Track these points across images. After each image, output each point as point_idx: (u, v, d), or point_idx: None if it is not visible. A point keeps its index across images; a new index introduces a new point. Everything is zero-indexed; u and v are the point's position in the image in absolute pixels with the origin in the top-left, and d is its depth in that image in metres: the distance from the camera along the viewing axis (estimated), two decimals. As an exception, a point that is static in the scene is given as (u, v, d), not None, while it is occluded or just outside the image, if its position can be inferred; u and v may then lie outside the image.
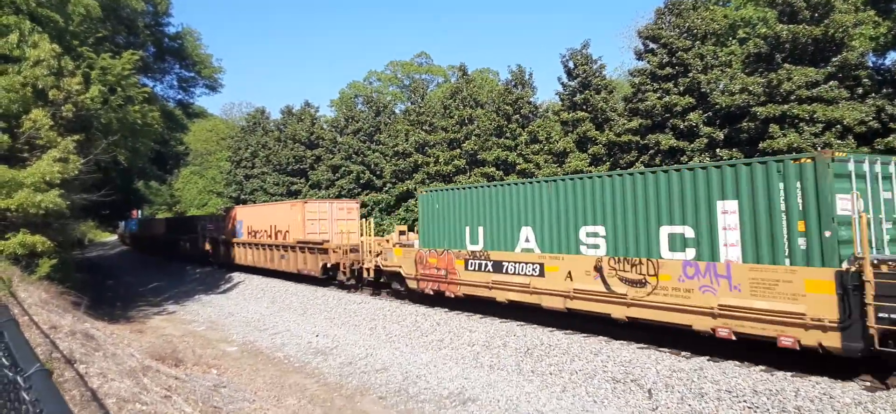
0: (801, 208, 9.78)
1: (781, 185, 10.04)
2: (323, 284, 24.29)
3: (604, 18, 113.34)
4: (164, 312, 22.78)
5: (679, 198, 11.51)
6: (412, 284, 18.57)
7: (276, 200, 48.09)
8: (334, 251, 23.05)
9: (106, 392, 7.89)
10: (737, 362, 10.70)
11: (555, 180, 14.24)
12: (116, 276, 37.33)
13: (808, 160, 9.68)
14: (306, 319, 19.28)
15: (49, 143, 16.69)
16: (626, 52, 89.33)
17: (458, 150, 37.63)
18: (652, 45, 28.07)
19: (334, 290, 23.01)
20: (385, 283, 21.22)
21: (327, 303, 20.84)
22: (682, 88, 26.14)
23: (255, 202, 52.22)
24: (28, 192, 15.19)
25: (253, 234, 30.94)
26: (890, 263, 9.01)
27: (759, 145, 22.64)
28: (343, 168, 46.01)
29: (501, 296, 15.23)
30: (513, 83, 36.58)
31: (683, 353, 11.51)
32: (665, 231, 11.74)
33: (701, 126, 25.26)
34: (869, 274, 8.71)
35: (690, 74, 25.94)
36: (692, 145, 25.30)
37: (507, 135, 35.27)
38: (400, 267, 19.04)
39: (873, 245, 9.76)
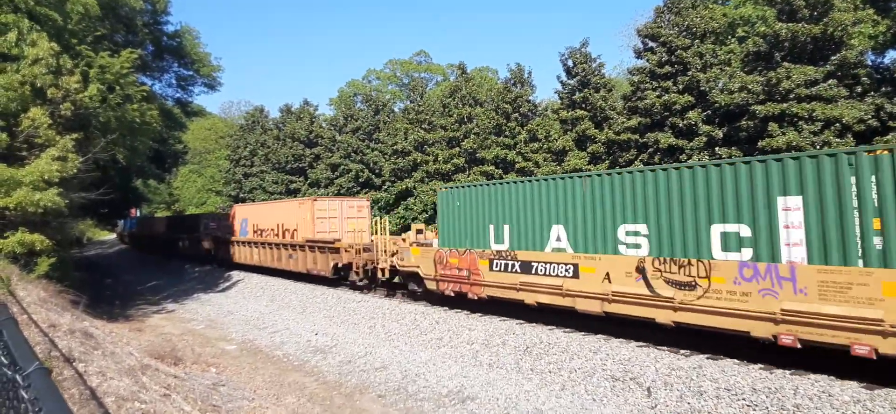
0: (876, 204, 9.02)
1: (853, 179, 9.24)
2: (333, 284, 23.60)
3: (603, 17, 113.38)
4: (163, 311, 22.76)
5: (733, 194, 10.64)
6: (431, 285, 17.76)
7: (279, 198, 48.11)
8: (346, 250, 22.26)
9: (105, 391, 7.88)
10: (736, 360, 10.71)
11: (589, 175, 13.33)
12: (115, 274, 37.30)
13: (885, 151, 8.95)
14: (305, 318, 19.28)
15: (47, 141, 16.67)
16: (625, 50, 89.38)
17: (458, 149, 37.65)
18: (651, 44, 28.09)
19: (333, 288, 22.97)
20: (400, 283, 20.64)
21: (326, 301, 20.84)
22: (681, 87, 26.17)
23: (253, 201, 52.23)
24: (27, 191, 15.17)
25: (259, 232, 30.21)
26: None
27: (758, 144, 22.67)
28: (342, 166, 46.04)
29: (530, 298, 14.41)
30: (512, 82, 36.61)
31: (682, 351, 11.52)
32: (717, 230, 10.84)
33: (700, 124, 25.28)
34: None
35: (690, 73, 25.96)
36: (691, 144, 25.33)
37: (507, 133, 35.31)
38: (418, 267, 18.24)
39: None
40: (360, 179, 45.00)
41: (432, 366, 12.79)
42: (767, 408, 8.81)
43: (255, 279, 28.08)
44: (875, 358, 8.90)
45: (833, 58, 22.19)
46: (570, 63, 32.02)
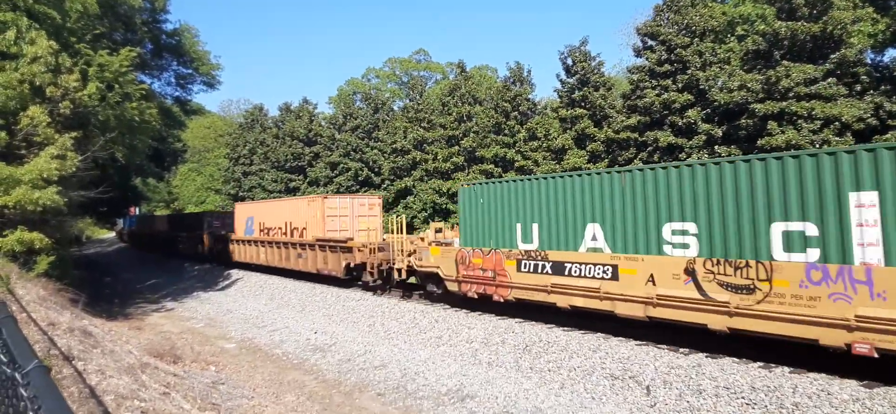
0: None
1: None
2: (344, 285, 22.91)
3: (602, 16, 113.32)
4: (163, 309, 22.76)
5: (797, 189, 9.82)
6: (452, 287, 16.91)
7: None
8: (359, 250, 21.31)
9: (104, 389, 7.88)
10: (735, 359, 10.72)
11: (630, 171, 12.48)
12: (114, 273, 37.29)
13: None
14: (305, 316, 19.28)
15: (46, 140, 16.66)
16: (624, 49, 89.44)
17: (457, 148, 37.65)
18: (650, 42, 28.10)
19: (333, 287, 22.96)
20: (416, 285, 20.08)
21: (326, 300, 20.84)
22: (680, 85, 26.17)
23: (253, 199, 52.22)
24: (26, 190, 15.16)
25: (265, 231, 29.33)
26: None
27: (758, 142, 22.68)
28: (341, 165, 46.02)
29: (563, 301, 13.49)
30: (511, 80, 36.60)
31: (681, 349, 11.53)
32: (778, 228, 9.99)
33: (699, 123, 25.29)
34: None
35: (689, 71, 25.96)
36: (690, 142, 25.35)
37: (506, 132, 35.30)
38: (437, 268, 17.41)
39: None
40: (360, 178, 45.00)
41: (431, 364, 12.80)
42: (766, 406, 8.82)
43: (254, 278, 28.08)
44: None
45: (832, 56, 22.21)
46: (569, 61, 32.01)
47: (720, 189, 10.84)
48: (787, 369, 9.95)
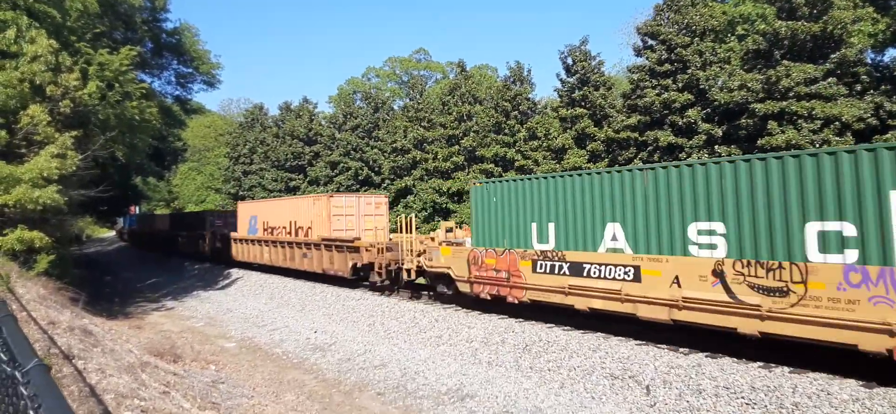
0: None
1: None
2: (351, 285, 22.43)
3: (603, 15, 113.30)
4: (163, 308, 22.77)
5: (834, 187, 9.40)
6: (464, 288, 16.48)
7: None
8: (367, 250, 20.75)
9: (104, 388, 7.89)
10: (734, 359, 10.72)
11: (653, 168, 12.00)
12: (114, 272, 37.31)
13: None
14: (305, 316, 19.29)
15: (47, 139, 16.66)
16: (624, 48, 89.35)
17: (457, 147, 37.66)
18: (651, 42, 28.09)
19: (334, 287, 22.96)
20: (425, 285, 19.63)
21: (325, 299, 20.85)
22: (680, 85, 26.17)
23: (253, 198, 52.21)
24: (26, 188, 15.17)
25: (269, 230, 28.78)
26: None
27: (758, 142, 22.68)
28: (341, 164, 46.04)
29: (581, 303, 13.08)
30: (511, 79, 36.60)
31: (681, 349, 11.53)
32: (813, 228, 9.54)
33: (699, 123, 25.29)
34: None
35: (689, 71, 25.97)
36: (691, 142, 25.35)
37: (506, 131, 35.31)
38: (448, 268, 16.96)
39: None
40: (360, 177, 45.01)
41: (431, 364, 12.80)
42: (766, 406, 8.83)
43: (254, 277, 28.09)
44: None
45: (832, 56, 22.21)
46: (569, 61, 32.02)
47: (750, 187, 10.38)
48: (786, 369, 9.95)
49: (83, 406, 6.60)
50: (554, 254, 13.86)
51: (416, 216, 37.70)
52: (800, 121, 21.96)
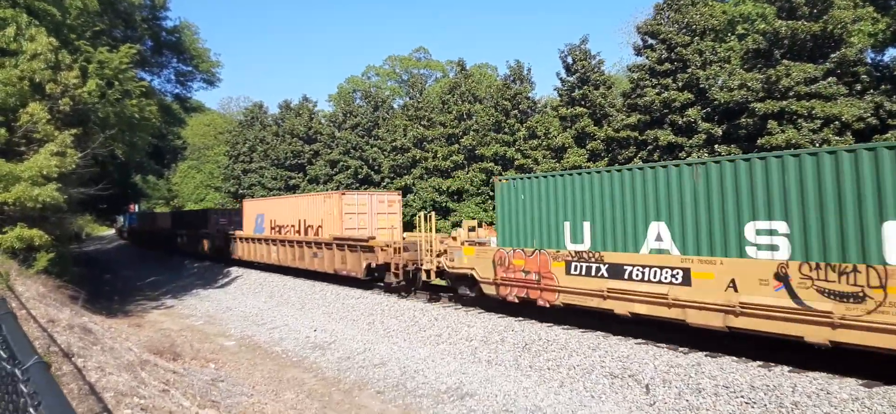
0: None
1: None
2: (365, 286, 21.72)
3: (603, 14, 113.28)
4: (162, 307, 22.77)
5: None
6: (489, 290, 15.69)
7: (276, 194, 48.07)
8: (382, 250, 19.90)
9: (104, 386, 7.88)
10: (734, 358, 10.72)
11: (704, 163, 11.19)
12: (114, 270, 37.30)
13: None
14: (304, 314, 19.29)
15: (46, 136, 16.65)
16: (624, 47, 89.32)
17: (457, 146, 37.66)
18: (651, 41, 28.09)
19: (334, 285, 22.94)
20: (444, 287, 19.10)
21: (325, 298, 20.85)
22: (680, 84, 26.17)
23: (253, 196, 52.18)
24: (25, 186, 15.16)
25: (277, 229, 28.00)
26: None
27: (758, 141, 22.69)
28: (341, 163, 46.04)
29: (621, 308, 12.27)
30: (511, 78, 36.60)
31: (681, 348, 11.54)
32: (894, 228, 8.80)
33: (699, 122, 25.29)
34: None
35: (689, 70, 25.96)
36: (690, 141, 25.35)
37: (506, 130, 35.32)
38: (472, 269, 16.18)
39: None
40: (359, 176, 45.01)
41: (431, 362, 12.81)
42: (766, 405, 8.83)
43: (253, 275, 28.08)
44: None
45: (833, 55, 22.21)
46: (569, 60, 32.01)
47: (817, 183, 9.57)
48: (786, 368, 9.96)
49: (83, 404, 6.59)
50: (590, 255, 12.99)
51: (416, 215, 37.76)
52: (800, 120, 21.96)
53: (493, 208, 34.15)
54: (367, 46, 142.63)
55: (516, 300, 14.93)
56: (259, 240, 29.37)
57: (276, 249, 27.48)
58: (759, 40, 24.30)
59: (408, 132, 40.85)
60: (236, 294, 24.95)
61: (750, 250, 10.38)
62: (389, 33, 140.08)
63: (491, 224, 18.33)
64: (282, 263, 26.82)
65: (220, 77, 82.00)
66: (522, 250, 14.71)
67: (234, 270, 30.53)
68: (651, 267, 11.76)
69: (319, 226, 24.30)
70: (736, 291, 10.43)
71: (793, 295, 9.70)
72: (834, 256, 9.36)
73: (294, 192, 48.29)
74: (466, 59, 60.79)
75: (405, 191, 40.43)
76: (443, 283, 19.14)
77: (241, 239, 31.36)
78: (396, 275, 19.37)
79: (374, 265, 20.39)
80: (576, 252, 13.37)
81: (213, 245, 34.94)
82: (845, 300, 9.17)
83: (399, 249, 19.40)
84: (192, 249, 38.49)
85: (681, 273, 11.26)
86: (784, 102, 22.24)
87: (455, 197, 36.96)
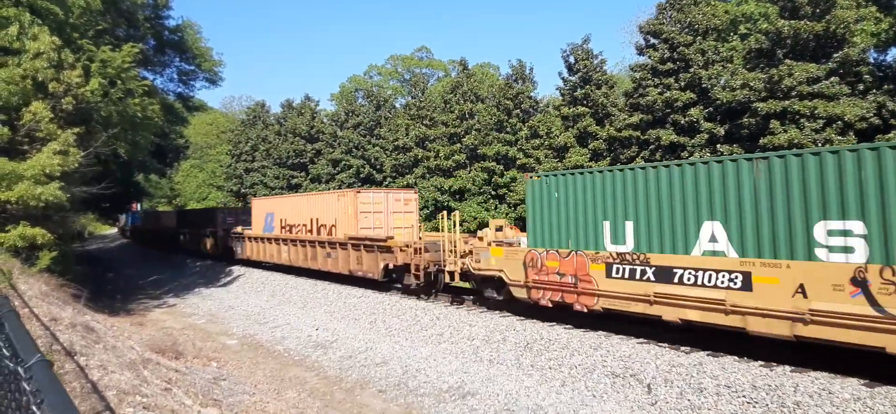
0: None
1: None
2: (381, 287, 21.09)
3: (605, 14, 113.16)
4: (165, 305, 22.81)
5: None
6: (519, 293, 14.90)
7: (278, 193, 48.11)
8: (401, 250, 19.15)
9: (106, 384, 7.90)
10: (736, 358, 10.71)
11: (766, 157, 10.31)
12: (116, 269, 37.38)
13: None
14: (306, 313, 19.31)
15: (49, 135, 16.69)
16: (627, 47, 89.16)
17: (459, 145, 37.65)
18: (653, 41, 28.04)
19: (335, 284, 22.95)
20: (467, 290, 18.55)
21: (327, 297, 20.87)
22: (683, 84, 26.13)
23: (255, 195, 52.23)
24: (28, 185, 15.20)
25: (287, 228, 27.22)
26: None
27: (760, 141, 22.65)
28: (343, 162, 46.05)
29: (671, 314, 11.45)
30: (513, 78, 36.56)
31: (683, 348, 11.53)
32: None
33: (702, 122, 25.25)
34: None
35: (691, 70, 25.92)
36: (693, 141, 25.31)
37: (508, 130, 35.28)
38: (501, 271, 15.40)
39: None
40: (361, 175, 45.02)
41: (433, 361, 12.81)
42: (767, 405, 8.82)
43: (256, 274, 28.12)
44: None
45: (835, 55, 22.15)
46: (571, 59, 31.97)
47: None
48: (788, 368, 9.95)
49: (85, 402, 6.61)
50: (635, 257, 12.12)
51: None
52: (802, 120, 21.91)
53: (495, 207, 34.28)
54: (370, 46, 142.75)
55: (550, 304, 14.10)
56: (269, 239, 28.71)
57: (287, 249, 26.83)
58: (761, 40, 24.25)
59: (410, 131, 40.85)
60: (238, 293, 24.99)
61: (820, 253, 9.60)
62: (392, 32, 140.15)
63: (492, 226, 17.54)
64: (293, 263, 26.17)
65: (223, 76, 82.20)
66: (557, 252, 13.85)
67: (237, 269, 30.57)
68: (705, 270, 10.90)
69: (333, 225, 23.67)
70: (805, 297, 9.55)
71: (873, 302, 8.86)
72: None
73: (296, 191, 48.31)
74: (469, 58, 60.88)
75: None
76: (465, 285, 18.64)
77: (249, 238, 30.68)
78: (416, 277, 18.69)
79: (391, 266, 19.76)
80: (617, 254, 12.50)
81: (220, 245, 34.27)
82: None
83: (420, 249, 18.66)
84: (198, 249, 37.85)
85: (740, 277, 10.41)
86: (786, 102, 22.19)
87: (457, 196, 36.96)
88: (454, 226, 17.62)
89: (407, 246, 19.09)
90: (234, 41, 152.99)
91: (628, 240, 12.48)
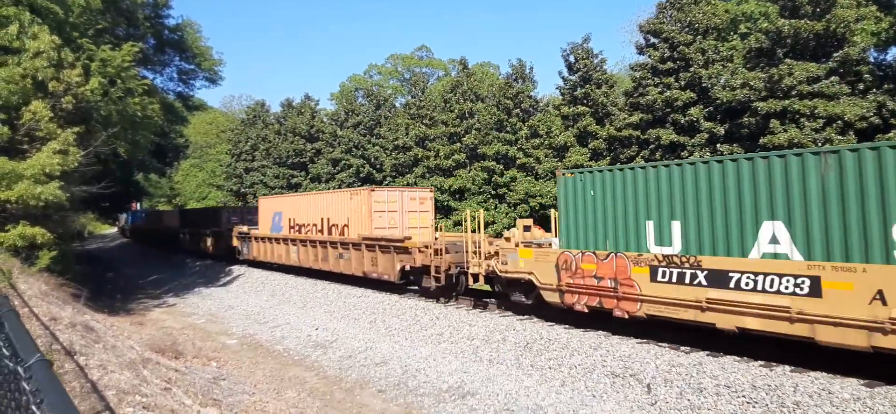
0: None
1: None
2: (397, 290, 20.34)
3: (605, 13, 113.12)
4: (164, 305, 22.81)
5: None
6: (551, 298, 14.01)
7: (278, 192, 48.10)
8: (420, 251, 18.33)
9: (106, 384, 7.90)
10: (736, 357, 10.71)
11: (836, 151, 9.52)
12: (116, 268, 37.37)
13: None
14: (306, 313, 19.31)
15: (49, 134, 16.69)
16: (627, 46, 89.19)
17: (459, 145, 37.64)
18: (653, 40, 28.04)
19: (335, 284, 22.94)
20: (489, 293, 17.92)
21: (327, 296, 20.87)
22: (683, 83, 26.13)
23: (255, 195, 52.22)
24: (28, 184, 15.19)
25: (296, 228, 26.45)
26: None
27: (760, 140, 22.65)
28: (343, 161, 46.05)
29: (726, 322, 10.58)
30: (513, 77, 36.55)
31: (683, 347, 11.52)
32: None
33: (702, 121, 25.26)
34: None
35: (692, 69, 25.92)
36: (693, 140, 25.32)
37: (508, 129, 35.27)
38: (530, 274, 14.53)
39: None
40: (361, 175, 45.03)
41: (432, 361, 12.81)
42: (767, 405, 8.82)
43: (255, 274, 28.12)
44: None
45: (835, 55, 22.15)
46: (571, 59, 31.97)
47: None
48: (787, 368, 9.95)
49: (85, 402, 6.61)
50: (684, 259, 11.29)
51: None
52: (802, 119, 21.91)
53: (495, 207, 34.27)
54: (370, 45, 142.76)
55: (585, 310, 13.30)
56: (277, 240, 27.93)
57: (296, 250, 25.99)
58: (761, 39, 24.25)
59: (410, 131, 40.84)
60: (238, 293, 24.99)
61: None
62: (392, 32, 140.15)
63: (519, 226, 16.61)
64: (303, 264, 25.42)
65: (223, 75, 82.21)
66: (594, 253, 13.01)
67: (236, 269, 30.55)
68: (767, 275, 10.03)
69: (345, 225, 22.90)
70: (884, 304, 8.74)
71: None
72: None
73: (297, 191, 48.30)
74: (469, 57, 60.91)
75: (407, 189, 40.43)
76: (486, 288, 18.07)
77: (256, 239, 29.83)
78: (437, 279, 17.91)
79: (408, 267, 19.01)
80: (663, 256, 11.64)
81: (224, 245, 33.51)
82: None
83: (440, 250, 17.91)
84: (201, 249, 37.23)
85: (807, 282, 9.55)
86: (786, 102, 22.19)
87: (457, 196, 36.96)
88: (478, 226, 16.79)
89: (426, 247, 18.38)
90: (234, 40, 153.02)
91: (675, 241, 11.68)
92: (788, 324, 9.76)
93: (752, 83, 23.34)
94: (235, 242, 32.17)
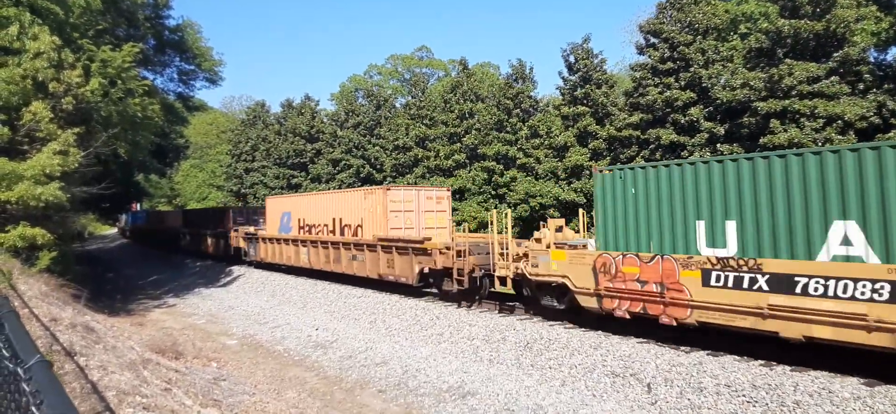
0: None
1: None
2: (415, 293, 19.62)
3: (605, 13, 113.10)
4: (164, 306, 22.82)
5: None
6: (588, 303, 13.16)
7: (277, 193, 48.09)
8: (441, 253, 17.51)
9: (106, 385, 7.90)
10: (736, 357, 10.71)
11: None
12: (116, 269, 37.38)
13: None
14: (306, 313, 19.31)
15: (49, 135, 16.69)
16: (627, 46, 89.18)
17: (459, 145, 37.65)
18: (653, 40, 28.04)
19: (335, 284, 22.93)
20: (515, 296, 17.12)
21: (327, 297, 20.87)
22: (683, 83, 26.13)
23: (255, 196, 52.24)
24: (28, 185, 15.20)
25: (306, 228, 25.58)
26: None
27: (760, 140, 22.64)
28: (343, 162, 46.06)
29: (792, 330, 9.75)
30: (513, 77, 36.56)
31: (683, 347, 11.52)
32: None
33: (702, 121, 25.25)
34: None
35: (692, 69, 25.92)
36: (693, 140, 25.31)
37: (508, 129, 35.27)
38: (565, 277, 13.67)
39: None
40: (361, 175, 45.05)
41: (433, 361, 12.82)
42: (767, 404, 8.82)
43: (256, 274, 28.12)
44: None
45: (835, 55, 22.14)
46: (571, 59, 31.97)
47: None
48: (787, 367, 9.94)
49: (85, 403, 6.61)
50: (741, 262, 10.47)
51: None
52: (802, 119, 21.90)
53: (495, 207, 34.27)
54: (370, 45, 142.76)
55: (627, 316, 12.41)
56: (285, 241, 27.03)
57: (307, 251, 25.12)
58: (761, 39, 24.25)
59: (410, 131, 40.86)
60: (238, 293, 24.99)
61: None
62: (392, 32, 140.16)
63: (551, 226, 15.69)
64: (313, 266, 24.56)
65: (223, 76, 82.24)
66: (636, 256, 12.16)
67: (236, 269, 30.55)
68: (839, 279, 9.20)
69: (359, 225, 22.01)
70: None
71: None
72: None
73: (296, 191, 48.30)
74: (469, 57, 60.92)
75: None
76: (509, 291, 17.52)
77: (264, 240, 29.02)
78: (459, 282, 17.13)
79: (427, 270, 18.21)
80: (717, 259, 10.84)
81: (230, 246, 32.76)
82: None
83: (462, 252, 17.08)
84: (204, 251, 36.69)
85: (887, 287, 8.75)
86: (786, 101, 22.18)
87: (457, 196, 36.97)
88: (506, 227, 15.99)
89: (447, 248, 17.57)
90: (235, 41, 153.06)
91: (730, 243, 10.84)
92: (866, 333, 8.95)
93: (752, 83, 23.34)
94: (242, 244, 31.40)
